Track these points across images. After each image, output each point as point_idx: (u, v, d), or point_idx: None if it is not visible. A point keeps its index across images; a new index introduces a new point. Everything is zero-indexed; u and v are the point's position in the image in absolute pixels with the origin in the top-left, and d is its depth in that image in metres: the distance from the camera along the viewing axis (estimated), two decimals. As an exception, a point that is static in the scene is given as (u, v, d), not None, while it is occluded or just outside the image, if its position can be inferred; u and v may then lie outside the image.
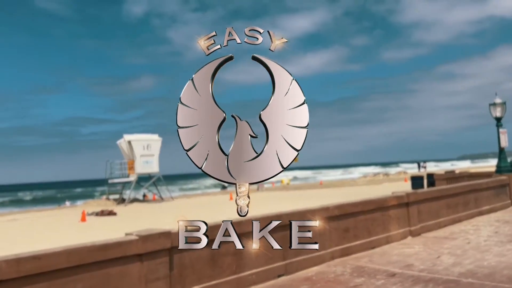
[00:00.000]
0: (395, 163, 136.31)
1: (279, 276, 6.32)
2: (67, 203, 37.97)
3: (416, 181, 19.84)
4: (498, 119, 13.95)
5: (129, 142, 27.92)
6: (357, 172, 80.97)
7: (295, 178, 58.73)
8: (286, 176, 52.58)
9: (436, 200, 9.95)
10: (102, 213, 20.53)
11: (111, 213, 20.74)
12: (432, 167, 72.09)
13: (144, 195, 33.20)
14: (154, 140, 28.75)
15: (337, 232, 7.45)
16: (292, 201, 21.24)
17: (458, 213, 10.75)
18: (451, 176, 21.45)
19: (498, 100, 13.91)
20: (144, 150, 27.88)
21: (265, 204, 21.40)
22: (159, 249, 4.96)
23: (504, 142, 13.83)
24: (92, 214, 21.02)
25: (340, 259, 7.23)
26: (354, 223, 7.81)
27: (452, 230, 9.56)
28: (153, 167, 28.64)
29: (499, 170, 13.96)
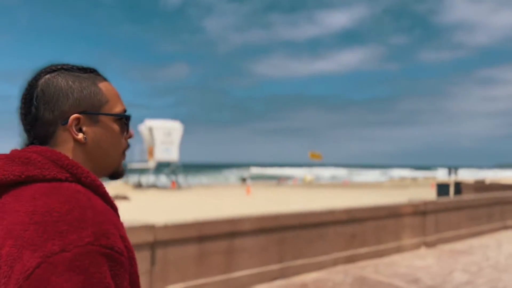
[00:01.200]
0: (428, 168, 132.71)
1: (274, 279, 5.95)
2: None
3: (442, 188, 18.94)
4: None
5: (150, 128, 27.93)
6: (390, 174, 79.09)
7: (317, 178, 57.90)
8: (311, 174, 51.89)
9: (457, 211, 9.30)
10: (116, 197, 20.61)
11: (123, 198, 20.80)
12: (465, 175, 69.61)
13: (172, 182, 33.18)
14: (175, 128, 28.65)
15: (343, 237, 7.00)
16: (307, 200, 20.74)
17: (480, 225, 10.05)
18: (480, 186, 20.44)
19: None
20: (165, 137, 27.86)
21: (278, 201, 20.98)
22: (140, 242, 4.67)
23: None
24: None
25: (343, 266, 6.78)
26: (363, 229, 7.33)
27: (472, 244, 8.91)
28: (173, 155, 28.55)
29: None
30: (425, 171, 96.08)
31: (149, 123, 28.24)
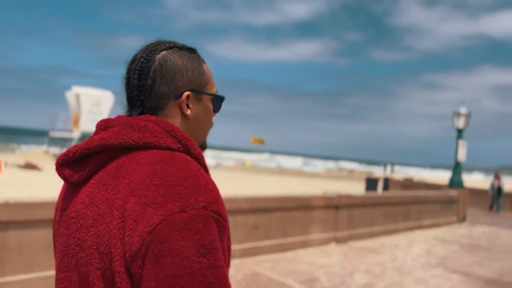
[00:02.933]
0: (375, 163, 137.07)
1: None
2: None
3: (371, 183, 19.04)
4: (460, 131, 13.08)
5: (77, 95, 25.76)
6: (340, 166, 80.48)
7: (255, 161, 57.96)
8: (259, 157, 51.59)
9: (373, 207, 8.97)
10: (26, 166, 18.91)
11: (34, 167, 19.08)
12: (400, 172, 72.46)
13: None
14: (105, 97, 26.77)
15: (243, 228, 6.34)
16: (230, 184, 20.18)
17: (396, 224, 9.84)
18: (407, 183, 20.82)
19: (463, 111, 13.01)
20: (93, 107, 25.94)
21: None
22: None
23: (461, 156, 13.00)
24: (15, 165, 19.37)
25: (240, 260, 6.13)
26: (267, 221, 6.71)
27: (383, 243, 8.63)
28: (100, 127, 26.63)
29: (451, 184, 13.17)
30: (372, 166, 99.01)
31: (76, 89, 25.96)
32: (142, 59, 0.92)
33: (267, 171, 40.34)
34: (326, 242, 7.80)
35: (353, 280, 5.84)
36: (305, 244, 7.34)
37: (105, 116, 27.06)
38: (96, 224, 0.81)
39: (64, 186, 0.96)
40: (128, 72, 0.94)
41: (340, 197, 7.99)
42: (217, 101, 1.00)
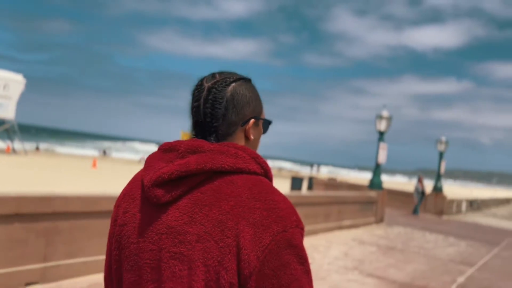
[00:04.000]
0: (299, 162, 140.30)
1: (28, 285, 4.36)
2: None
3: (296, 182, 19.06)
4: (381, 133, 13.34)
5: (-17, 78, 23.23)
6: (274, 165, 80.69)
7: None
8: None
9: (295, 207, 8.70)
10: None
11: None
12: (325, 172, 74.84)
13: (7, 145, 28.77)
14: (14, 81, 24.35)
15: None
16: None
17: (316, 224, 9.68)
18: (331, 183, 21.17)
19: (385, 114, 13.28)
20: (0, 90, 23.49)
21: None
22: None
23: (382, 158, 13.27)
24: None
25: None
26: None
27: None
28: (9, 112, 24.37)
29: (371, 185, 13.41)
30: (301, 165, 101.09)
31: (-18, 71, 23.52)
32: (214, 90, 1.02)
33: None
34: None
35: None
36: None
37: (14, 100, 24.70)
38: (202, 240, 0.90)
39: (123, 201, 1.05)
40: (197, 100, 1.04)
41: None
42: (266, 124, 1.13)
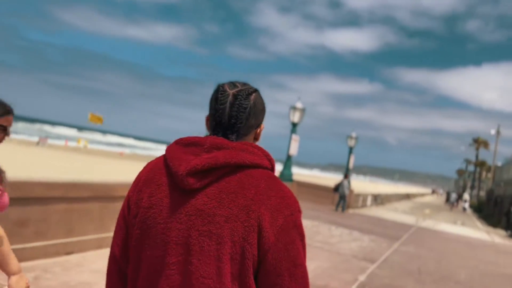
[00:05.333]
0: None
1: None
2: None
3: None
4: (294, 125, 13.06)
5: None
6: None
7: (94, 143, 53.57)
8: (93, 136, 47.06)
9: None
10: None
11: None
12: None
13: None
14: None
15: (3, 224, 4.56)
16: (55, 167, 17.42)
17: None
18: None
19: (299, 105, 13.00)
20: None
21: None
22: None
23: (293, 150, 13.01)
24: None
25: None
26: (43, 214, 5.06)
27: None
28: None
29: (281, 177, 13.10)
30: None
31: None
32: (240, 97, 1.24)
33: (106, 154, 37.05)
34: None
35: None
36: (100, 245, 5.87)
37: None
38: (231, 221, 1.13)
39: (145, 186, 1.24)
40: (223, 104, 1.23)
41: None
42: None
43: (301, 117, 13.08)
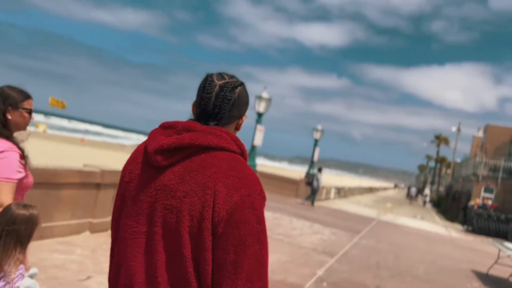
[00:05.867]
0: None
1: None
2: None
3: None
4: (260, 115, 12.78)
5: None
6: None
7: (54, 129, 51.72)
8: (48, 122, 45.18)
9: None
10: None
11: None
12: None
13: None
14: None
15: None
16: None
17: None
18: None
19: (265, 95, 12.72)
20: None
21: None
22: None
23: (258, 140, 12.74)
24: None
25: None
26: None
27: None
28: None
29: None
30: None
31: None
32: (225, 89, 1.31)
33: (66, 139, 35.66)
34: (77, 231, 6.00)
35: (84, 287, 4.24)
36: (41, 235, 5.40)
37: None
38: (189, 196, 1.20)
39: (129, 164, 1.36)
40: (209, 93, 1.31)
41: (104, 172, 6.26)
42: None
43: (267, 107, 12.81)
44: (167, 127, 1.31)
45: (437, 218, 28.70)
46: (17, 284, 1.90)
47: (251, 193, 1.21)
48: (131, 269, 1.25)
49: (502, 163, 25.86)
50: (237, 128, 1.39)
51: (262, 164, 26.80)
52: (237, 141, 1.31)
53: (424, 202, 43.03)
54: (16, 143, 2.18)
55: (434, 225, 21.56)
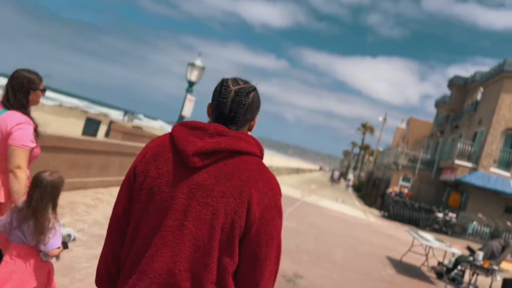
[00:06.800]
0: (115, 108, 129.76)
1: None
2: None
3: (91, 124, 16.54)
4: (191, 84, 11.99)
5: None
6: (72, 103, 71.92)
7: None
8: None
9: (53, 152, 6.61)
10: None
11: None
12: (143, 123, 71.38)
13: None
14: None
15: None
16: None
17: (88, 177, 7.79)
18: (132, 132, 19.16)
19: (198, 63, 11.93)
20: None
21: None
22: None
23: (187, 111, 11.98)
24: None
25: None
26: None
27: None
28: None
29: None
30: (116, 110, 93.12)
31: None
32: (240, 94, 1.45)
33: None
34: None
35: None
36: None
37: None
38: (226, 196, 1.37)
39: (153, 159, 1.46)
40: (225, 98, 1.45)
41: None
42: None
43: (200, 76, 12.03)
44: (194, 128, 1.43)
45: (357, 202, 29.88)
46: (59, 232, 2.46)
47: (275, 194, 1.44)
48: (152, 258, 1.36)
49: (420, 154, 27.33)
50: (249, 129, 1.54)
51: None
52: (259, 146, 1.48)
53: (347, 186, 44.83)
54: (32, 118, 2.61)
55: (354, 209, 22.29)
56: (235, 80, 1.48)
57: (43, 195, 2.38)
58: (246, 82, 1.50)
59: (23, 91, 2.59)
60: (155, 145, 1.47)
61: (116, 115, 69.36)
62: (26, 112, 2.59)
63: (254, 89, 1.49)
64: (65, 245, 2.53)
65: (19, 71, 2.63)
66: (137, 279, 1.37)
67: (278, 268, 1.48)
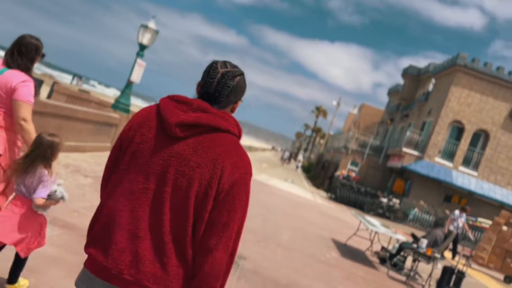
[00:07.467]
0: (63, 71, 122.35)
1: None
2: None
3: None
4: (143, 47, 11.18)
5: None
6: None
7: None
8: None
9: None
10: None
11: None
12: (112, 94, 67.88)
13: None
14: None
15: None
16: None
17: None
18: (77, 95, 17.95)
19: (151, 25, 11.12)
20: None
21: None
22: None
23: (136, 76, 11.20)
24: None
25: None
26: None
27: None
28: None
29: (116, 105, 11.26)
30: (65, 74, 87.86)
31: None
32: (226, 77, 1.57)
33: None
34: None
35: None
36: None
37: None
38: (201, 167, 1.47)
39: (139, 127, 1.57)
40: (212, 78, 1.57)
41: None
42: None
43: (152, 40, 11.22)
44: (180, 102, 1.55)
45: (305, 183, 30.19)
46: (50, 187, 2.78)
47: (246, 172, 1.54)
48: (137, 215, 1.47)
49: (370, 140, 27.89)
50: (232, 110, 1.66)
51: (140, 106, 24.97)
52: (238, 126, 1.59)
53: (297, 167, 45.37)
54: (33, 78, 2.96)
55: (302, 190, 22.42)
56: (224, 63, 1.59)
57: (39, 152, 2.76)
58: (234, 66, 1.61)
59: (30, 58, 2.90)
60: (143, 114, 1.59)
61: (66, 79, 65.40)
62: (29, 73, 2.91)
63: (241, 74, 1.61)
64: (49, 197, 2.78)
65: (27, 38, 2.90)
66: (108, 234, 1.50)
67: (236, 247, 1.53)
